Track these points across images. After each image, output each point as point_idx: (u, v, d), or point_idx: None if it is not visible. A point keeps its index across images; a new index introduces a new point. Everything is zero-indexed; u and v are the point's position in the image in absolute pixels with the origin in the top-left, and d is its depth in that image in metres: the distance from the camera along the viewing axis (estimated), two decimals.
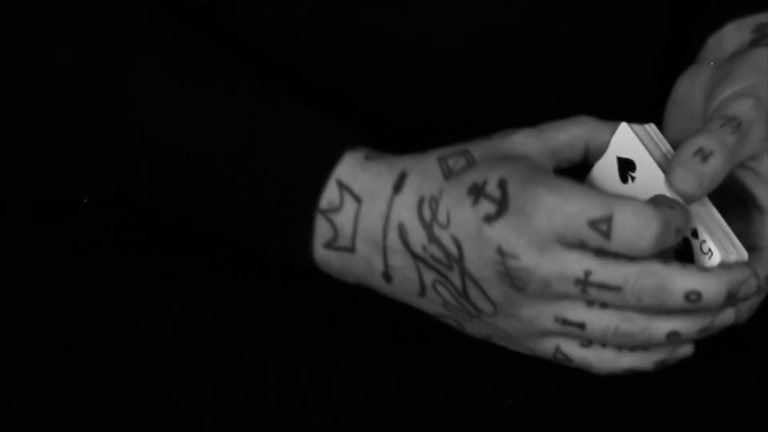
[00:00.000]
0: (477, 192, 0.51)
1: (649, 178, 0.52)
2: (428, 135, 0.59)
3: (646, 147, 0.53)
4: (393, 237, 0.53)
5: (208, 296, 0.79)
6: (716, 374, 0.71)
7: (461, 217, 0.51)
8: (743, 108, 0.54)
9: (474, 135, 0.56)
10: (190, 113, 0.54)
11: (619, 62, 0.66)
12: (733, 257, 0.52)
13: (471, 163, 0.52)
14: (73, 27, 0.55)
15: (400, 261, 0.53)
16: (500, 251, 0.50)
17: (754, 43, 0.60)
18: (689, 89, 0.61)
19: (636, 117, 0.58)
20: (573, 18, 0.63)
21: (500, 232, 0.50)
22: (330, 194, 0.54)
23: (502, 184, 0.50)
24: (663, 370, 0.63)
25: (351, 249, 0.54)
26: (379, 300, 0.62)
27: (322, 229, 0.54)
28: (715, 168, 0.51)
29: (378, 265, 0.54)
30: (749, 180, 0.56)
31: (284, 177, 0.54)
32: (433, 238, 0.52)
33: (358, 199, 0.53)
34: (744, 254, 0.52)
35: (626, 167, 0.53)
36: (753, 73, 0.56)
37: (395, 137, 0.59)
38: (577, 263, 0.50)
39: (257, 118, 0.54)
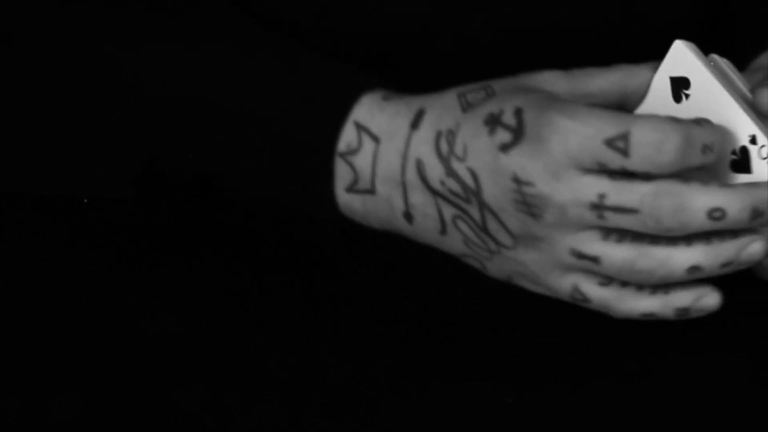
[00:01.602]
0: (493, 122, 0.49)
1: (708, 96, 0.48)
2: None
3: (703, 63, 0.49)
4: (411, 174, 0.52)
5: (207, 296, 0.79)
6: (716, 371, 0.71)
7: (477, 148, 0.50)
8: None
9: None
10: (210, 71, 0.54)
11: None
12: None
13: (490, 96, 0.51)
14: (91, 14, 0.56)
15: (419, 198, 0.52)
16: (516, 179, 0.49)
17: None
18: None
19: None
20: (598, 20, 0.62)
21: (515, 160, 0.49)
22: (348, 136, 0.53)
23: (518, 113, 0.49)
24: (664, 364, 0.62)
25: (372, 191, 0.53)
26: (378, 297, 0.63)
27: (342, 173, 0.53)
28: None
29: (399, 204, 0.52)
30: None
31: (303, 123, 0.53)
32: (450, 172, 0.51)
33: (376, 139, 0.53)
34: None
35: (680, 86, 0.49)
36: None
37: None
38: (591, 187, 0.48)
39: (275, 71, 0.54)
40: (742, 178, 0.50)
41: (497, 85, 0.51)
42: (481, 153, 0.50)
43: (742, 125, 0.48)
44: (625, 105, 0.52)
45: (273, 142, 0.54)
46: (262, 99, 0.53)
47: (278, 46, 0.55)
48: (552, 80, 0.52)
